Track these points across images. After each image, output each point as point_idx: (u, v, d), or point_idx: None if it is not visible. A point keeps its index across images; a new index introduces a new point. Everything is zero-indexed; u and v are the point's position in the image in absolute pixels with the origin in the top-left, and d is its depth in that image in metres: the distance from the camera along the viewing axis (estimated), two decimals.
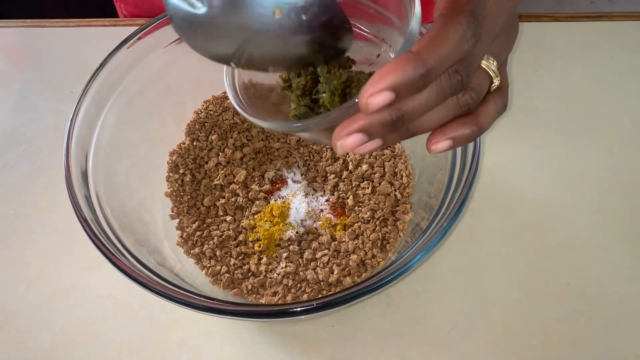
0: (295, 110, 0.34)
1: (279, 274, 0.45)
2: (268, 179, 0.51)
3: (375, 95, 0.25)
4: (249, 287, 0.45)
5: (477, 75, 0.30)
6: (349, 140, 0.27)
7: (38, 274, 0.48)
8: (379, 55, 0.36)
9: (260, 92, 0.36)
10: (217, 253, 0.47)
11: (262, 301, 0.44)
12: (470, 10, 0.26)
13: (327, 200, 0.49)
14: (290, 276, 0.45)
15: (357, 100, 0.26)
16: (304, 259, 0.46)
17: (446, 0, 0.27)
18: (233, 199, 0.49)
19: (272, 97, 0.36)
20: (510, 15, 0.31)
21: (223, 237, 0.47)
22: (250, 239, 0.47)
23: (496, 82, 0.31)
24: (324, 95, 0.32)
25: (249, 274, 0.46)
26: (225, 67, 0.34)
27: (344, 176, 0.50)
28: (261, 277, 0.45)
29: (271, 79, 0.36)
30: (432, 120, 0.29)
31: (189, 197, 0.50)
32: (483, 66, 0.30)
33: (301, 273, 0.45)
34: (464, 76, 0.27)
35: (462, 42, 0.26)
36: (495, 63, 0.31)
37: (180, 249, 0.48)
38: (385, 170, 0.50)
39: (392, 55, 0.34)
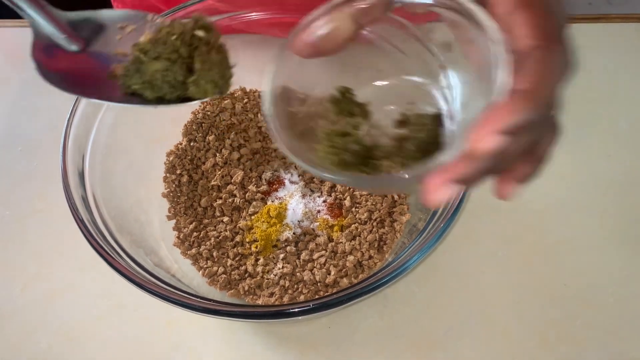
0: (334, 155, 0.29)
1: (275, 275, 0.45)
2: (265, 179, 0.51)
3: (486, 140, 0.22)
4: (246, 288, 0.45)
5: None
6: (444, 192, 0.23)
7: (34, 274, 0.48)
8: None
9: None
10: (214, 254, 0.47)
11: (259, 302, 0.44)
12: (562, 39, 0.23)
13: (324, 201, 0.49)
14: (287, 277, 0.45)
15: (446, 158, 0.23)
16: (301, 260, 0.46)
17: (531, 26, 0.23)
18: (230, 200, 0.49)
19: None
20: None
21: (220, 238, 0.47)
22: (247, 239, 0.47)
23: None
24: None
25: (246, 275, 0.46)
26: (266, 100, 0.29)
27: None
28: (258, 278, 0.45)
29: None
30: (509, 165, 0.25)
31: (186, 197, 0.50)
32: None
33: (298, 274, 0.45)
34: (555, 112, 0.24)
35: (564, 75, 0.23)
36: None
37: (177, 249, 0.47)
38: None
39: (435, 92, 0.31)
